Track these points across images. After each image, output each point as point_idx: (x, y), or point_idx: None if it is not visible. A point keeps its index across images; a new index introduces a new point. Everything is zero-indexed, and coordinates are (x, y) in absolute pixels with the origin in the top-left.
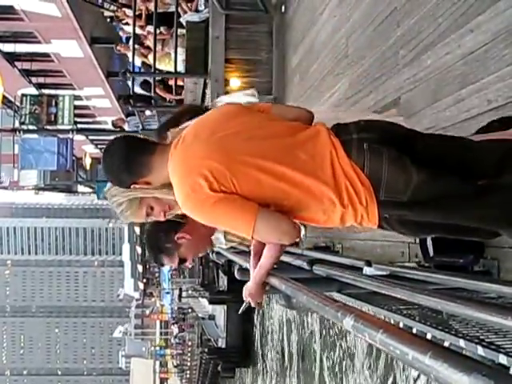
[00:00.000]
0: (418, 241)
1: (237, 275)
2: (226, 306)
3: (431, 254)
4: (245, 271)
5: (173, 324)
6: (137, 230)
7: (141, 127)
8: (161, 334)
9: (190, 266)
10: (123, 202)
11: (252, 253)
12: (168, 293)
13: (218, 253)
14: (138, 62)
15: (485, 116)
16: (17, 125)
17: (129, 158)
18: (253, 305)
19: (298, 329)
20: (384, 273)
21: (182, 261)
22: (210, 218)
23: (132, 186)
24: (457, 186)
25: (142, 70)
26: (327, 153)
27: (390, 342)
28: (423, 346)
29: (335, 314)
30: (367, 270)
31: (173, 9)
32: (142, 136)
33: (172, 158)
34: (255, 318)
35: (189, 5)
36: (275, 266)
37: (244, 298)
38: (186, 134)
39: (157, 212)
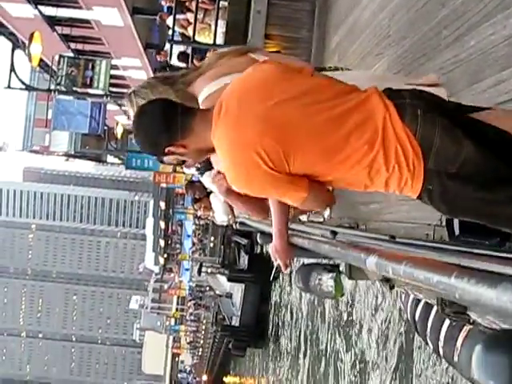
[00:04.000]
0: (444, 223)
1: (259, 239)
2: (244, 285)
3: (457, 233)
4: (266, 235)
5: (190, 301)
6: (162, 204)
7: None
8: (176, 309)
9: (191, 165)
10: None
11: (272, 212)
12: (187, 269)
13: (241, 223)
14: (177, 34)
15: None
16: (52, 87)
17: (167, 117)
18: (282, 267)
19: (312, 313)
20: None
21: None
22: (261, 193)
23: (167, 151)
24: (505, 170)
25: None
26: (380, 116)
27: (413, 270)
28: (447, 268)
29: (357, 255)
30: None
31: None
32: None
33: (217, 128)
34: (272, 299)
35: None
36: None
37: (273, 260)
38: (228, 100)
39: None
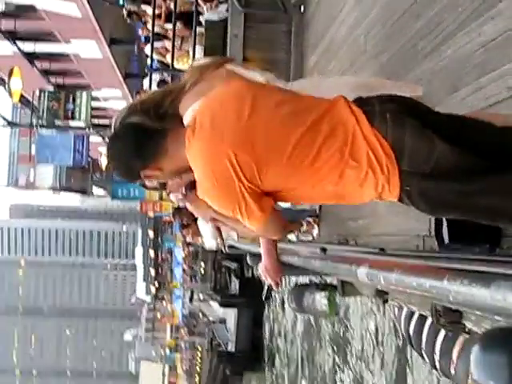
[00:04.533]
0: (433, 233)
1: (248, 260)
2: (236, 310)
3: (446, 241)
4: (256, 256)
5: (183, 328)
6: (150, 233)
7: None
8: (171, 338)
9: (175, 190)
10: None
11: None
12: (179, 297)
13: (230, 246)
14: (155, 62)
15: (504, 103)
16: (34, 122)
17: (141, 141)
18: (273, 285)
19: (308, 333)
20: None
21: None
22: (226, 207)
23: (143, 175)
24: (480, 162)
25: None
26: (349, 124)
27: (405, 277)
28: (439, 272)
29: (348, 267)
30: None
31: (192, 9)
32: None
33: (192, 144)
34: (266, 322)
35: (207, 4)
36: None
37: (263, 279)
38: (202, 118)
39: None
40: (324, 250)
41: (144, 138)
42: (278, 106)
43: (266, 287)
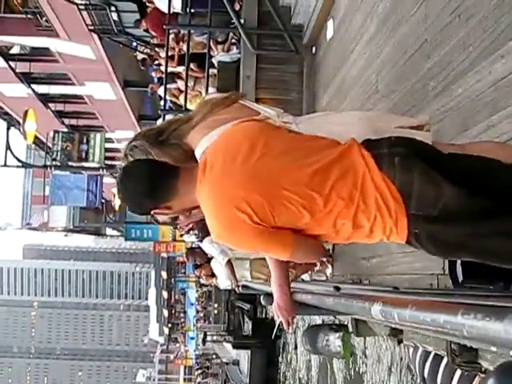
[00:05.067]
0: (447, 271)
1: (262, 300)
2: (250, 351)
3: (460, 279)
4: (269, 296)
5: (197, 370)
6: (163, 274)
7: None
8: (184, 380)
9: (184, 224)
10: None
11: (271, 268)
12: (193, 338)
13: (244, 286)
14: (169, 103)
15: None
16: (48, 163)
17: (152, 180)
18: (284, 325)
19: (322, 375)
20: None
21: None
22: (246, 247)
23: (152, 212)
24: (488, 204)
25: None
26: (359, 169)
27: (419, 314)
28: (453, 307)
29: (362, 305)
30: None
31: (205, 50)
32: (162, 160)
33: (202, 186)
34: (280, 363)
35: (219, 47)
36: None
37: (275, 318)
38: (212, 157)
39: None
40: (338, 288)
41: (156, 179)
42: (290, 148)
43: (276, 325)
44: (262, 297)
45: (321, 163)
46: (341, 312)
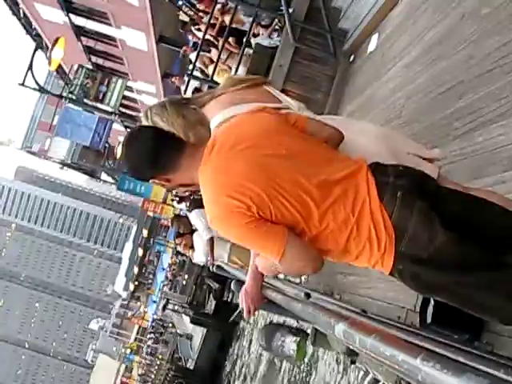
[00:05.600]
0: (417, 309)
1: (233, 286)
2: (205, 330)
3: (428, 321)
4: (241, 283)
5: (150, 333)
6: (144, 232)
7: None
8: (135, 339)
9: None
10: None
11: (252, 256)
12: (155, 302)
13: (218, 266)
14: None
15: None
16: (64, 94)
17: (157, 150)
18: (245, 311)
19: (269, 373)
20: None
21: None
22: (237, 238)
23: (150, 181)
24: (480, 255)
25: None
26: (360, 195)
27: (380, 345)
28: (415, 349)
29: (327, 320)
30: None
31: (246, 27)
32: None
33: (206, 166)
34: (230, 349)
35: (262, 30)
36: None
37: (239, 302)
38: (223, 141)
39: None
40: (308, 295)
41: (160, 149)
42: (301, 151)
43: (237, 311)
44: (233, 282)
45: (328, 176)
46: (305, 320)
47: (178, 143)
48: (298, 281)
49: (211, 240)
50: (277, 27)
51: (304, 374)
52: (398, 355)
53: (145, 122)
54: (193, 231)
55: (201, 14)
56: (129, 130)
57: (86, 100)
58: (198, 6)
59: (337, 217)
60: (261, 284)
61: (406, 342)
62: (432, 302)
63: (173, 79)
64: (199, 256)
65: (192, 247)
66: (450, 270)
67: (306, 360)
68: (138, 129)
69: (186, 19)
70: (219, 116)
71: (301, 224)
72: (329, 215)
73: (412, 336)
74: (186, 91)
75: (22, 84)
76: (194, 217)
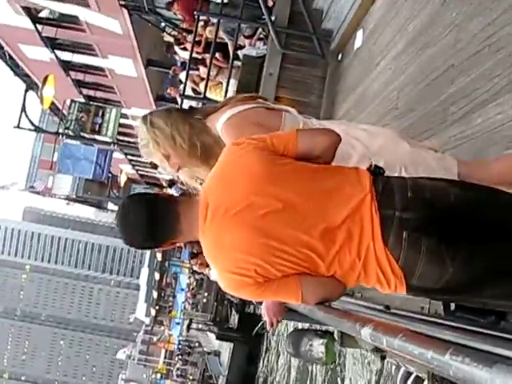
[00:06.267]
0: None
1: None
2: (232, 345)
3: (452, 308)
4: None
5: (177, 355)
6: (158, 256)
7: None
8: (164, 363)
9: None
10: (144, 138)
11: None
12: (178, 323)
13: None
14: (188, 90)
15: None
16: (61, 130)
17: (153, 223)
18: (267, 324)
19: (301, 379)
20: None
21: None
22: (257, 298)
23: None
24: (492, 264)
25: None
26: (365, 237)
27: (408, 345)
28: (443, 345)
29: (352, 325)
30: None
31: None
32: (159, 193)
33: (204, 235)
34: (260, 361)
35: (246, 41)
36: None
37: (262, 315)
38: (215, 205)
39: (172, 163)
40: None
41: (157, 220)
42: (296, 201)
43: (260, 323)
44: None
45: (329, 224)
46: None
47: (171, 205)
48: None
49: None
50: (261, 36)
51: (336, 374)
52: (427, 353)
53: (142, 127)
54: None
55: (185, 33)
56: (130, 158)
57: (82, 133)
58: (180, 25)
59: (343, 265)
60: (282, 303)
61: (434, 338)
62: None
63: (168, 90)
64: (215, 274)
65: (208, 265)
66: (463, 293)
67: (336, 360)
68: (128, 202)
69: (171, 39)
70: (226, 115)
71: (310, 271)
72: (335, 264)
73: (438, 328)
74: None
75: (18, 126)
76: None
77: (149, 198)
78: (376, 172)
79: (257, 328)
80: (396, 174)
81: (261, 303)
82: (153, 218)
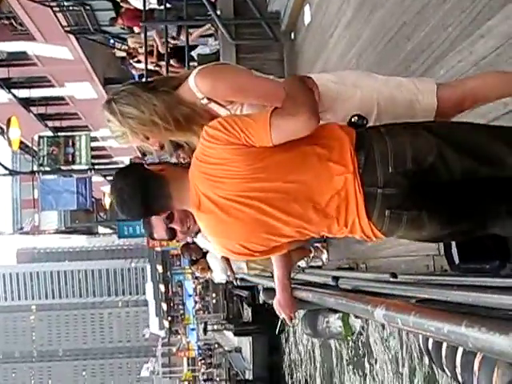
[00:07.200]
0: (442, 252)
1: (262, 295)
2: (251, 338)
3: (457, 261)
4: (269, 291)
5: (200, 360)
6: (159, 268)
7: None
8: (188, 371)
9: (183, 238)
10: (117, 130)
11: (275, 267)
12: (193, 329)
13: (242, 279)
14: None
15: (501, 119)
16: (35, 168)
17: (147, 207)
18: (287, 320)
19: (326, 355)
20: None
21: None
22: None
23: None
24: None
25: None
26: (351, 211)
27: (423, 321)
28: (457, 317)
29: (365, 307)
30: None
31: (182, 43)
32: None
33: (201, 220)
34: (282, 347)
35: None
36: (293, 273)
37: (278, 314)
38: (205, 196)
39: (153, 141)
40: (336, 278)
41: (150, 202)
42: (282, 190)
43: (279, 321)
44: (261, 292)
45: (318, 204)
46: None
47: (162, 187)
48: (320, 263)
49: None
50: (210, 32)
51: (361, 345)
52: (443, 327)
53: (111, 118)
54: (205, 254)
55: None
56: (110, 179)
57: (58, 166)
58: (128, 38)
59: (332, 231)
60: (290, 290)
61: (446, 312)
62: (453, 243)
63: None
64: (219, 275)
65: (209, 269)
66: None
67: (355, 331)
68: (121, 183)
69: (123, 54)
70: (195, 70)
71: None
72: (323, 230)
73: (448, 290)
74: None
75: None
76: (202, 240)
77: (141, 179)
78: (358, 124)
79: (278, 327)
80: (374, 111)
81: (270, 296)
82: (147, 199)
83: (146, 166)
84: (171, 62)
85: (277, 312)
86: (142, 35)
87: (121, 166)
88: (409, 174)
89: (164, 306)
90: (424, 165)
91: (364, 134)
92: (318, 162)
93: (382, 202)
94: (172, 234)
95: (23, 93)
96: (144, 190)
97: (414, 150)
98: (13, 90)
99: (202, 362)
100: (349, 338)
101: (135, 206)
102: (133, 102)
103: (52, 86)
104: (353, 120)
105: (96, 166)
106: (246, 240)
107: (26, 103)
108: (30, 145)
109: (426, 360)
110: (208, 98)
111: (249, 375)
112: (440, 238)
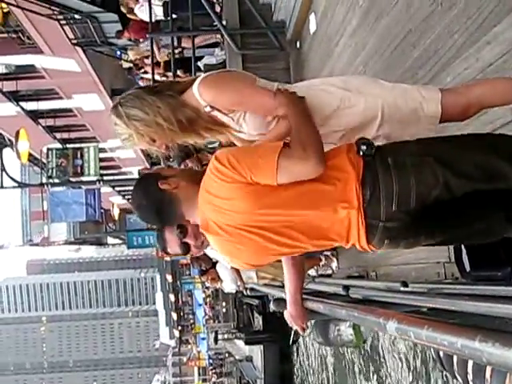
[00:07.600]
0: (453, 259)
1: (272, 306)
2: (262, 346)
3: (468, 269)
4: (280, 301)
5: (211, 370)
6: (169, 277)
7: None
8: (199, 380)
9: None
10: (124, 133)
11: (287, 280)
12: (204, 338)
13: (252, 289)
14: None
15: (510, 126)
16: (44, 180)
17: (162, 220)
18: (300, 331)
19: (337, 364)
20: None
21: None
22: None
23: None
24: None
25: None
26: (352, 237)
27: (436, 335)
28: (470, 331)
29: (377, 320)
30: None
31: (190, 54)
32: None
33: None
34: (293, 355)
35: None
36: (304, 283)
37: (290, 325)
38: (214, 223)
39: (159, 144)
40: (347, 288)
41: (164, 217)
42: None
43: (292, 332)
44: (272, 303)
45: (322, 232)
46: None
47: (174, 205)
48: (330, 272)
49: None
50: (214, 40)
51: (372, 352)
52: (457, 341)
53: (118, 121)
54: (214, 264)
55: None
56: (118, 189)
57: (67, 177)
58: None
59: (333, 245)
60: (301, 302)
61: (459, 326)
62: (464, 249)
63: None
64: (229, 285)
65: (219, 279)
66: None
67: (366, 339)
68: (139, 198)
69: (130, 65)
70: (200, 77)
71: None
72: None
73: (459, 299)
74: None
75: (1, 186)
76: (211, 251)
77: (155, 202)
78: (366, 154)
79: (291, 338)
80: (378, 117)
81: (281, 306)
82: (161, 214)
83: (160, 181)
84: (178, 72)
85: (289, 324)
86: (141, 45)
87: (134, 178)
88: (412, 212)
89: (174, 315)
90: (428, 200)
91: (371, 167)
92: (323, 199)
93: (383, 232)
94: (186, 249)
95: (31, 105)
96: (157, 212)
97: (418, 188)
98: (21, 103)
99: (213, 371)
100: (360, 345)
101: (153, 222)
102: (138, 104)
103: (60, 98)
104: (361, 150)
105: (104, 177)
106: (253, 261)
107: (35, 116)
108: (38, 157)
109: (439, 368)
110: (211, 106)
111: None
112: (442, 244)
